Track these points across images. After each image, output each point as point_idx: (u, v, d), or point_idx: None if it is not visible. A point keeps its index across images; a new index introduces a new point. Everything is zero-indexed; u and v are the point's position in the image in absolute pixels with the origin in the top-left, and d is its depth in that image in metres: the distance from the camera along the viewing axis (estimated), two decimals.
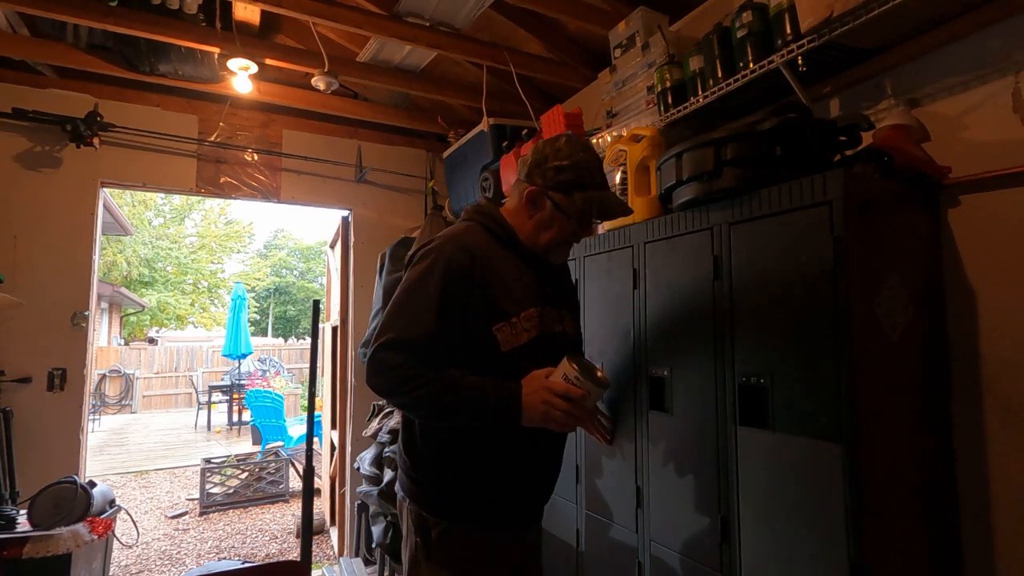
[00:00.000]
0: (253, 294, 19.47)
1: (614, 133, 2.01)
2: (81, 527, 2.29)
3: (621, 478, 1.62)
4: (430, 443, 1.20)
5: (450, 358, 1.13)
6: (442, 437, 1.19)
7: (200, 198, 11.79)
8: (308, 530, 2.43)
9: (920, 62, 1.36)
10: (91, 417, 6.23)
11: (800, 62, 1.41)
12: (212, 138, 3.11)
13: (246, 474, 5.04)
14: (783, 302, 1.20)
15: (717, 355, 1.33)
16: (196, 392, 10.01)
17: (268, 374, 10.91)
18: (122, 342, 13.98)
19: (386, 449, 2.73)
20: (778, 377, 1.19)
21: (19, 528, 2.26)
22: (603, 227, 1.81)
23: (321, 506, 4.30)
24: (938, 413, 1.28)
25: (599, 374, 1.15)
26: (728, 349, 1.31)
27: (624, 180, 1.71)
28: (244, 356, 9.66)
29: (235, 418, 8.65)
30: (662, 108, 1.82)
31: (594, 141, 2.12)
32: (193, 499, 5.10)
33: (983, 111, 1.26)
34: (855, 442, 1.05)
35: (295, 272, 22.47)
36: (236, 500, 4.89)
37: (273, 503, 4.94)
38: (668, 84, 1.80)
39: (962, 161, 1.28)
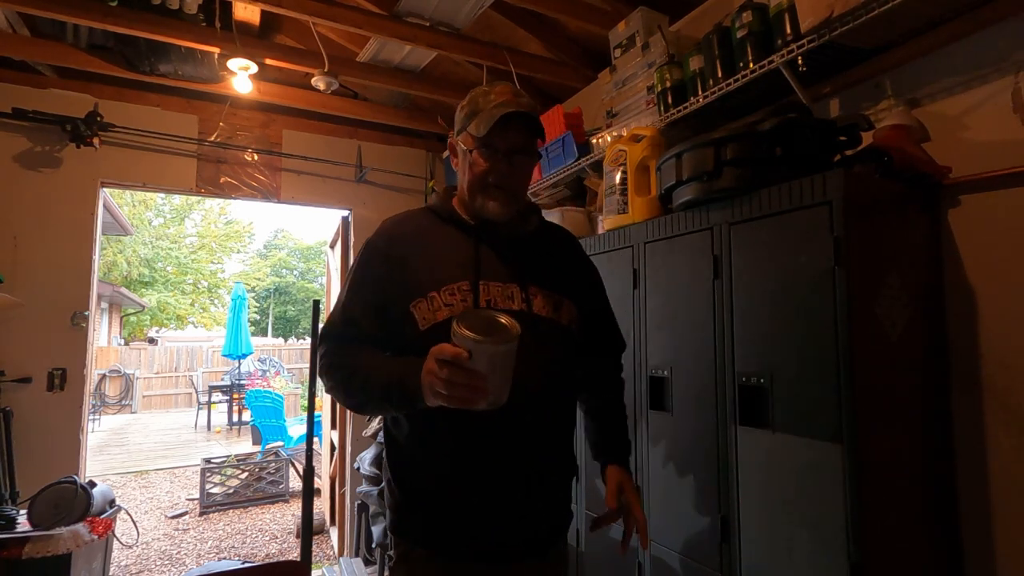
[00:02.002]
0: (253, 294, 19.47)
1: (614, 133, 2.01)
2: (81, 527, 2.29)
3: None
4: (391, 452, 1.12)
5: (380, 346, 1.07)
6: (400, 445, 1.09)
7: (200, 198, 11.79)
8: (308, 530, 2.43)
9: (920, 62, 1.36)
10: (91, 417, 6.24)
11: (800, 62, 1.41)
12: (212, 138, 3.11)
13: (246, 474, 5.04)
14: (783, 302, 1.20)
15: (717, 355, 1.33)
16: (196, 392, 10.01)
17: (268, 374, 10.91)
18: (122, 342, 13.98)
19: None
20: (778, 377, 1.19)
21: (19, 528, 2.26)
22: (603, 227, 1.81)
23: (321, 506, 4.30)
24: (938, 413, 1.28)
25: (501, 320, 0.87)
26: (728, 349, 1.31)
27: (624, 180, 1.71)
28: (244, 356, 9.66)
29: (235, 418, 8.65)
30: (662, 108, 1.82)
31: (594, 141, 2.12)
32: (193, 499, 5.10)
33: (983, 111, 1.26)
34: (855, 442, 1.05)
35: (295, 272, 22.47)
36: (236, 500, 4.89)
37: (273, 503, 4.94)
38: (668, 84, 1.80)
39: (962, 161, 1.28)
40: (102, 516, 2.42)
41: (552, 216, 2.10)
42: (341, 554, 3.55)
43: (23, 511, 2.33)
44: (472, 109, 1.07)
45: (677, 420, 1.45)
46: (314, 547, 3.84)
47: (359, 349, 1.05)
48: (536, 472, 1.05)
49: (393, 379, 0.96)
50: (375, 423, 3.08)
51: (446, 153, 3.10)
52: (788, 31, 1.42)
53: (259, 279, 20.41)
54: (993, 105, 1.24)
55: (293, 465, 5.21)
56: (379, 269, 1.08)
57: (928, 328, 1.27)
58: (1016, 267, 1.20)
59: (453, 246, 1.09)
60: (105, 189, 3.03)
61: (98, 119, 2.74)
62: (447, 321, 0.93)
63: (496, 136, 1.03)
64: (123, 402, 10.82)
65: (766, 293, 1.23)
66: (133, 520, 4.05)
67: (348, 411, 3.50)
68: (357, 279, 1.10)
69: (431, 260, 1.07)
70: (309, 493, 2.48)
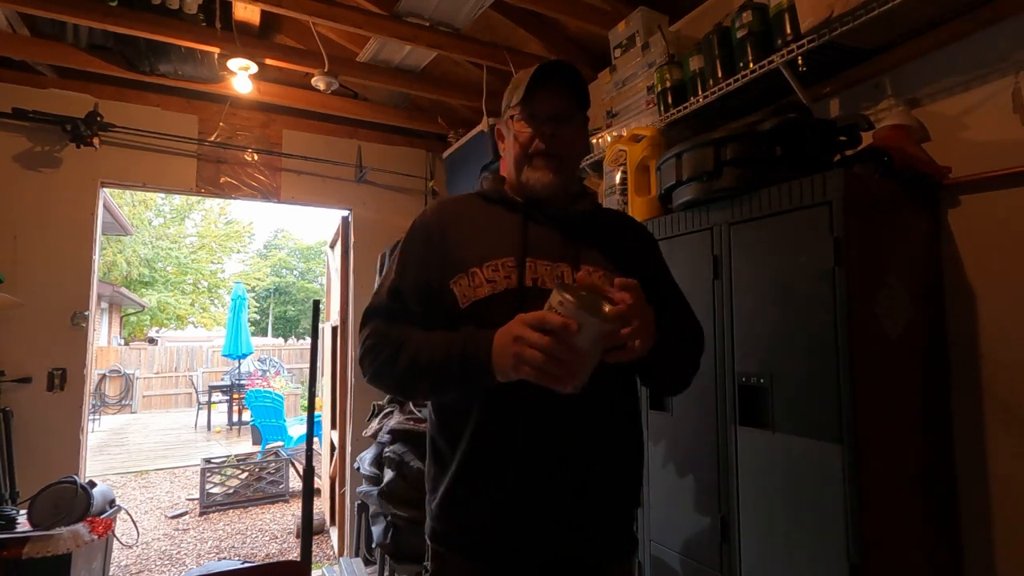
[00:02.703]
0: (253, 294, 19.47)
1: (614, 133, 2.01)
2: (81, 527, 2.29)
3: None
4: (434, 451, 1.03)
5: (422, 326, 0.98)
6: (441, 448, 1.00)
7: (200, 198, 11.80)
8: (308, 530, 2.43)
9: (920, 62, 1.36)
10: (91, 417, 6.24)
11: (800, 62, 1.41)
12: (212, 138, 3.11)
13: (246, 474, 5.04)
14: (783, 302, 1.20)
15: (717, 355, 1.33)
16: (196, 392, 10.01)
17: (268, 374, 10.92)
18: (122, 342, 13.98)
19: (386, 449, 2.73)
20: (778, 377, 1.19)
21: (19, 528, 2.26)
22: None
23: (321, 506, 4.30)
24: (938, 413, 1.28)
25: (605, 308, 0.79)
26: (728, 349, 1.31)
27: (624, 180, 1.71)
28: (244, 356, 9.66)
29: (235, 418, 8.65)
30: (662, 108, 1.82)
31: (594, 141, 2.12)
32: (193, 499, 5.10)
33: (983, 111, 1.26)
34: (855, 442, 1.05)
35: (295, 272, 22.47)
36: (236, 500, 4.88)
37: (273, 503, 4.94)
38: (668, 84, 1.80)
39: (962, 161, 1.28)
40: (102, 516, 2.42)
41: None
42: (341, 554, 3.55)
43: (23, 511, 2.33)
44: (514, 85, 1.04)
45: (677, 420, 1.45)
46: (314, 547, 3.84)
47: (408, 326, 0.97)
48: (591, 473, 0.93)
49: (455, 350, 0.88)
50: (375, 423, 3.08)
51: (446, 152, 3.12)
52: (788, 31, 1.42)
53: (259, 279, 20.41)
54: (993, 105, 1.24)
55: (293, 465, 5.21)
56: (422, 247, 1.02)
57: (928, 328, 1.27)
58: (1016, 267, 1.20)
59: (498, 223, 1.02)
60: (105, 189, 3.03)
61: (98, 119, 2.74)
62: (488, 299, 0.92)
63: (536, 101, 0.98)
64: (123, 402, 10.82)
65: (766, 293, 1.23)
66: (133, 520, 4.05)
67: (348, 411, 3.50)
68: (402, 259, 1.04)
69: (474, 236, 1.00)
70: (309, 493, 2.48)
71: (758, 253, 1.26)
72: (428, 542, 1.01)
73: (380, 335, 0.97)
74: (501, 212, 1.04)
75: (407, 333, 0.95)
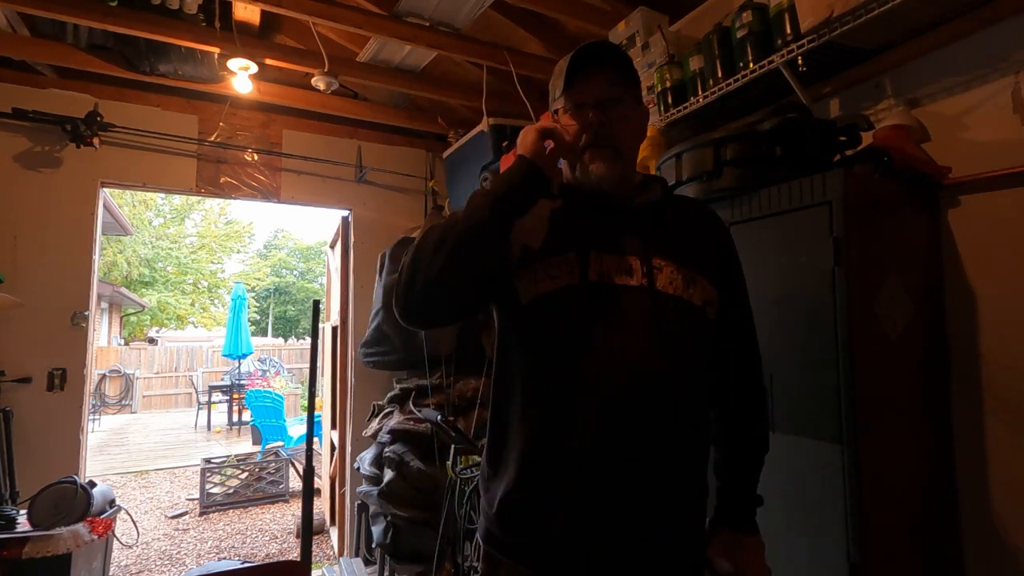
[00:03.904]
0: (253, 294, 19.47)
1: None
2: (81, 527, 2.29)
3: None
4: (491, 449, 0.97)
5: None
6: (502, 442, 0.94)
7: (200, 198, 11.80)
8: (308, 530, 2.43)
9: (920, 62, 1.36)
10: (91, 417, 6.24)
11: (800, 62, 1.41)
12: (212, 138, 3.11)
13: (246, 474, 5.04)
14: (783, 302, 1.20)
15: None
16: (196, 392, 10.01)
17: (268, 374, 10.92)
18: (122, 342, 13.98)
19: (386, 449, 2.73)
20: (778, 377, 1.19)
21: (19, 528, 2.26)
22: None
23: (321, 506, 4.30)
24: (938, 413, 1.28)
25: None
26: None
27: None
28: (244, 356, 9.66)
29: (235, 418, 8.65)
30: (662, 108, 1.82)
31: None
32: (193, 499, 5.10)
33: (983, 111, 1.26)
34: (855, 442, 1.05)
35: (295, 272, 22.47)
36: (236, 500, 4.88)
37: (273, 503, 4.94)
38: (668, 84, 1.80)
39: (962, 161, 1.28)
40: (102, 516, 2.42)
41: None
42: (341, 554, 3.55)
43: (23, 511, 2.32)
44: (556, 74, 0.96)
45: None
46: (314, 547, 3.84)
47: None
48: (659, 478, 0.86)
49: (498, 182, 0.88)
50: (375, 423, 3.08)
51: (446, 152, 3.11)
52: (788, 31, 1.41)
53: (259, 279, 20.40)
54: (993, 105, 1.24)
55: (293, 465, 5.21)
56: None
57: (928, 328, 1.27)
58: (1016, 267, 1.20)
59: (560, 218, 0.94)
60: (105, 189, 3.03)
61: (98, 119, 2.74)
62: (549, 295, 0.88)
63: (578, 88, 0.91)
64: (123, 402, 10.82)
65: (766, 293, 1.23)
66: (133, 520, 4.05)
67: (348, 411, 3.50)
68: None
69: (535, 230, 0.93)
70: (309, 493, 2.48)
71: (758, 253, 1.25)
72: (480, 543, 0.95)
73: (425, 237, 0.88)
74: (561, 206, 0.96)
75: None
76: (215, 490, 4.90)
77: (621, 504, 0.84)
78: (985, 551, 1.22)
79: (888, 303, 1.16)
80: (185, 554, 3.88)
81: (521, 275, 0.91)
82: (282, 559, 3.76)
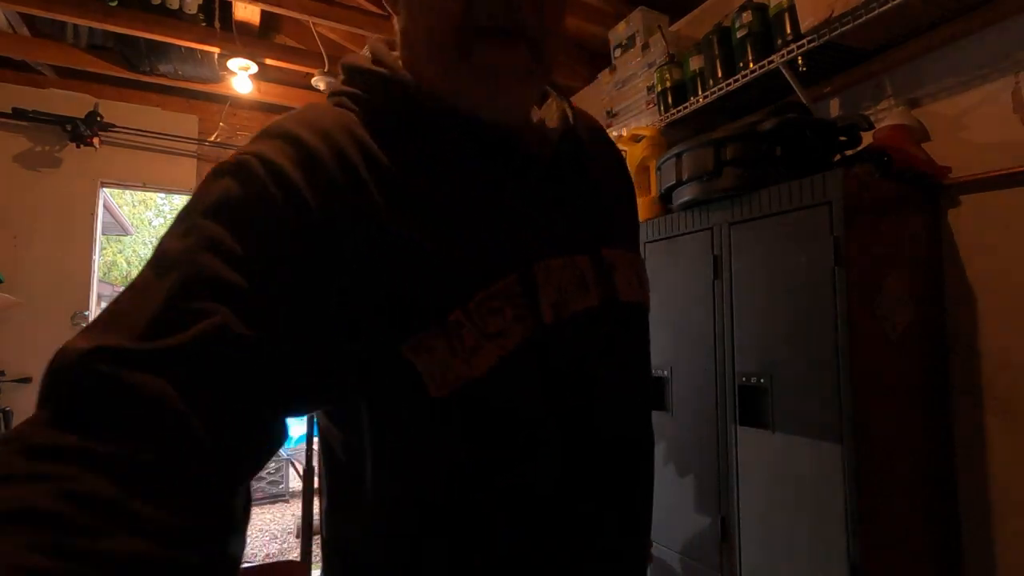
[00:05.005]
0: None
1: (614, 133, 2.01)
2: None
3: None
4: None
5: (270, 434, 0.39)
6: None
7: None
8: (308, 530, 2.43)
9: (920, 62, 1.36)
10: None
11: (800, 62, 1.41)
12: (212, 138, 3.11)
13: None
14: (783, 302, 1.20)
15: (717, 355, 1.33)
16: None
17: None
18: None
19: None
20: (778, 377, 1.19)
21: None
22: None
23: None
24: (938, 413, 1.28)
25: None
26: (728, 349, 1.31)
27: None
28: None
29: None
30: (662, 108, 1.82)
31: None
32: None
33: (983, 111, 1.26)
34: (855, 443, 1.05)
35: None
36: None
37: (273, 503, 4.94)
38: (668, 84, 1.80)
39: (962, 161, 1.28)
40: None
41: None
42: None
43: None
44: None
45: (677, 420, 1.45)
46: (314, 547, 3.84)
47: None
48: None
49: None
50: None
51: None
52: (788, 31, 1.41)
53: None
54: (993, 105, 1.24)
55: (293, 465, 5.21)
56: (288, 269, 0.40)
57: (928, 328, 1.27)
58: (1016, 268, 1.20)
59: (457, 190, 0.47)
60: (105, 189, 3.03)
61: (98, 119, 2.74)
62: (498, 370, 0.44)
63: None
64: None
65: (766, 293, 1.23)
66: None
67: None
68: (242, 256, 0.39)
69: (435, 228, 0.45)
70: (309, 493, 2.48)
71: (758, 253, 1.26)
72: None
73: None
74: (437, 157, 0.48)
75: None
76: None
77: None
78: (985, 552, 1.22)
79: (888, 303, 1.16)
80: None
81: (427, 342, 0.43)
82: (282, 559, 3.76)
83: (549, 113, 0.58)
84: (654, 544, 1.49)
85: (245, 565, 1.71)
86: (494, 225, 0.47)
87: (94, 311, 2.88)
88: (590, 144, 0.59)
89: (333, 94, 0.52)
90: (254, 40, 2.56)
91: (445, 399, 0.44)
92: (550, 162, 0.53)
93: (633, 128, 1.80)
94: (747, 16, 1.51)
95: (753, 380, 1.24)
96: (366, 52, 0.53)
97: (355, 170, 0.44)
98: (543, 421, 0.47)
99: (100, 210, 2.94)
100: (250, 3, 2.15)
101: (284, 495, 5.02)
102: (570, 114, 0.55)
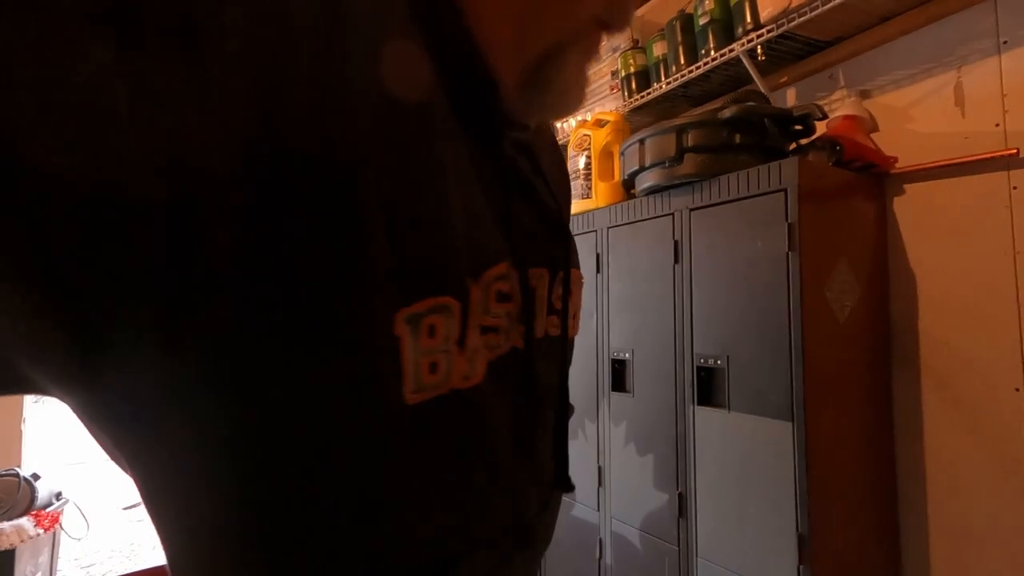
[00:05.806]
0: None
1: (579, 118, 2.01)
2: (25, 521, 2.19)
3: (583, 458, 1.65)
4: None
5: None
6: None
7: None
8: None
9: (871, 54, 1.41)
10: (34, 401, 5.93)
11: (760, 51, 1.44)
12: None
13: None
14: (740, 286, 1.23)
15: (676, 338, 1.37)
16: None
17: None
18: None
19: None
20: (734, 359, 1.24)
21: None
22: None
23: None
24: (881, 391, 1.35)
25: None
26: (687, 332, 1.34)
27: (588, 165, 1.72)
28: None
29: None
30: (626, 93, 1.83)
31: (558, 125, 2.11)
32: None
33: (928, 103, 1.32)
34: (803, 420, 1.10)
35: None
36: None
37: None
38: (632, 69, 1.81)
39: (908, 151, 1.33)
40: (48, 509, 2.32)
41: None
42: None
43: None
44: None
45: (637, 401, 1.49)
46: None
47: None
48: None
49: None
50: None
51: None
52: (748, 20, 1.44)
53: None
54: (937, 98, 1.30)
55: None
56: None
57: (873, 310, 1.33)
58: (951, 253, 1.27)
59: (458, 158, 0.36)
60: None
61: None
62: (488, 382, 0.37)
63: None
64: None
65: (724, 278, 1.27)
66: (82, 512, 3.90)
67: None
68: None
69: (436, 188, 0.34)
70: None
71: (717, 238, 1.29)
72: None
73: None
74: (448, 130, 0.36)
75: None
76: None
77: None
78: (920, 522, 1.31)
79: (837, 287, 1.21)
80: (141, 545, 3.77)
81: (418, 317, 0.32)
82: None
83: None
84: (614, 519, 1.53)
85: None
86: (497, 208, 0.41)
87: None
88: (539, 147, 0.51)
89: None
90: None
91: (417, 408, 0.34)
92: (514, 142, 0.45)
93: (598, 113, 1.81)
94: (709, 3, 1.53)
95: (711, 362, 1.28)
96: None
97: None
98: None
99: None
100: None
101: None
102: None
